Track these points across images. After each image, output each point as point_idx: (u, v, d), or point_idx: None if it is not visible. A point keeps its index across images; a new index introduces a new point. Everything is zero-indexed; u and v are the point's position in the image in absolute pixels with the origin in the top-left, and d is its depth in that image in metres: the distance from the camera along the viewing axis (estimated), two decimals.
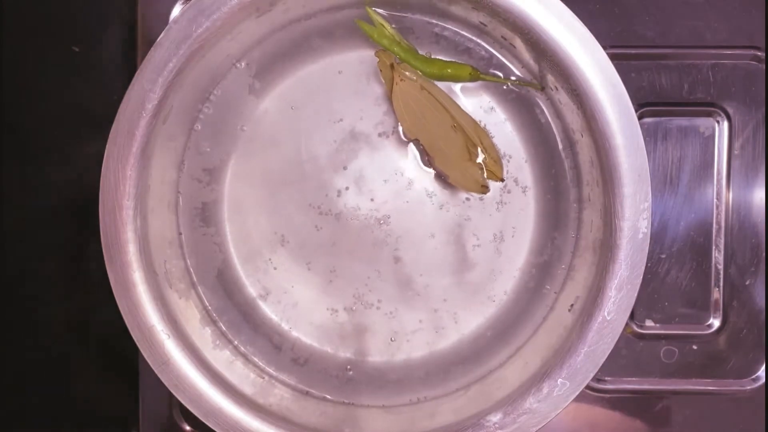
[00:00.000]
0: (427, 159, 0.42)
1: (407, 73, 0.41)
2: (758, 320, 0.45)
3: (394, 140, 0.43)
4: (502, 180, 0.42)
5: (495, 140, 0.43)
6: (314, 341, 0.44)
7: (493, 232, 0.43)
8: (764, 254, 0.45)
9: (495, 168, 0.42)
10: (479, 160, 0.41)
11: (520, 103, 0.43)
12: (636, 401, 0.46)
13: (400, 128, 0.43)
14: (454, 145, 0.41)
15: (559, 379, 0.38)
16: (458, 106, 0.41)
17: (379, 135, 0.43)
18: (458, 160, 0.41)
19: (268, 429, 0.40)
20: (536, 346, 0.43)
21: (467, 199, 0.43)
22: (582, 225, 0.42)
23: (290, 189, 0.43)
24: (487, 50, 0.43)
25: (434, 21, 0.42)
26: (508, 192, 0.43)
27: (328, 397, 0.44)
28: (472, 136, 0.41)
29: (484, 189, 0.42)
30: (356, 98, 0.43)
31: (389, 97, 0.41)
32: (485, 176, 0.42)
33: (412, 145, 0.43)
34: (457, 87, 0.43)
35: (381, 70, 0.41)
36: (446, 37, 0.43)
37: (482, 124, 0.43)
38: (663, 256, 0.45)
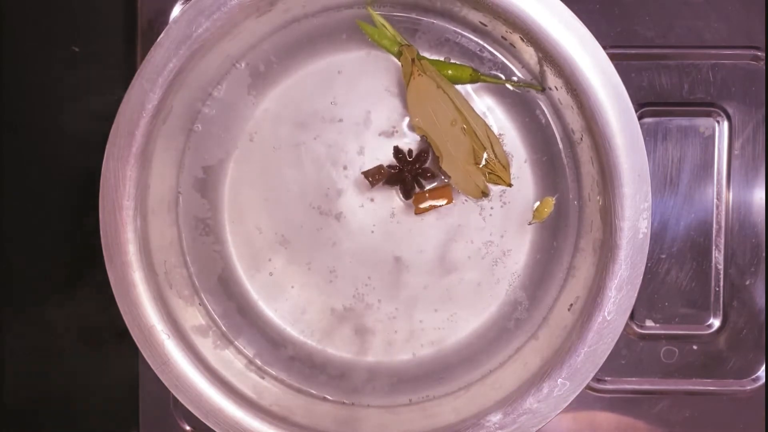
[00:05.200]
0: (433, 157, 0.43)
1: (427, 70, 0.41)
2: (758, 320, 0.45)
3: (395, 140, 0.43)
4: (510, 185, 0.42)
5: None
6: (314, 341, 0.44)
7: (494, 232, 0.43)
8: (764, 254, 0.45)
9: (503, 174, 0.42)
10: (482, 165, 0.41)
11: (520, 104, 0.43)
12: (636, 401, 0.46)
13: (406, 120, 0.43)
14: (461, 147, 0.41)
15: (559, 379, 0.38)
16: (472, 110, 0.41)
17: (380, 135, 0.43)
18: (463, 162, 0.41)
19: (268, 429, 0.40)
20: (536, 346, 0.43)
21: (467, 199, 0.43)
22: (582, 225, 0.42)
23: (290, 189, 0.44)
24: (487, 50, 0.43)
25: (435, 21, 0.42)
26: (509, 193, 0.43)
27: (328, 397, 0.44)
28: (483, 140, 0.41)
29: (484, 195, 0.42)
30: (356, 98, 0.43)
31: (405, 90, 0.41)
32: (487, 182, 0.42)
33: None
34: (467, 87, 0.43)
35: (402, 64, 0.41)
36: (447, 38, 0.43)
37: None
38: (663, 256, 0.45)
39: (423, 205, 0.42)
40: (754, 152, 0.45)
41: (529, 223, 0.42)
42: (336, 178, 0.43)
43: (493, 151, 0.41)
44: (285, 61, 0.43)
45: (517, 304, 0.44)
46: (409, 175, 0.42)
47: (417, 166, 0.42)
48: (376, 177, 0.42)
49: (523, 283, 0.44)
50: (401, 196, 0.43)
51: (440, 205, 0.42)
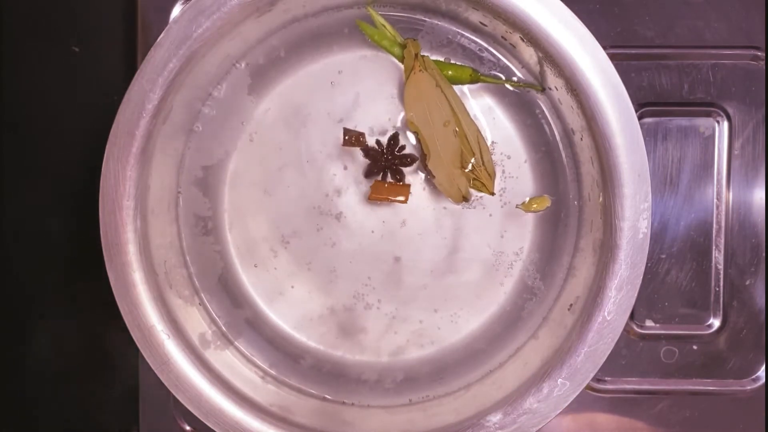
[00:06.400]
0: (421, 155, 0.43)
1: (428, 67, 0.41)
2: (758, 320, 0.45)
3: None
4: (493, 194, 0.42)
5: (495, 140, 0.43)
6: (314, 341, 0.44)
7: (493, 233, 0.43)
8: (764, 254, 0.45)
9: (488, 182, 0.42)
10: (468, 169, 0.41)
11: (520, 104, 0.43)
12: (636, 401, 0.46)
13: (401, 115, 0.43)
14: (450, 149, 0.41)
15: (559, 379, 0.38)
16: (467, 114, 0.41)
17: (379, 134, 0.43)
18: (449, 165, 0.41)
19: (268, 429, 0.40)
20: (536, 346, 0.43)
21: (482, 196, 0.43)
22: (582, 225, 0.42)
23: (290, 189, 0.44)
24: (487, 51, 0.43)
25: (435, 21, 0.42)
26: (508, 193, 0.43)
27: (328, 397, 0.44)
28: (473, 145, 0.41)
29: (464, 199, 0.42)
30: (356, 98, 0.43)
31: (404, 83, 0.41)
32: (470, 187, 0.42)
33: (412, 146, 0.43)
34: (463, 87, 0.43)
35: (404, 57, 0.41)
36: (449, 39, 0.43)
37: (481, 124, 0.43)
38: (663, 256, 0.45)
39: (379, 195, 0.42)
40: (754, 152, 0.45)
41: (517, 206, 0.42)
42: (336, 178, 0.43)
43: (482, 158, 0.41)
44: (285, 60, 0.43)
45: (516, 304, 0.44)
46: (383, 163, 0.42)
47: (396, 161, 0.42)
48: (351, 140, 0.42)
49: (522, 283, 0.44)
50: (363, 171, 0.43)
51: (395, 200, 0.42)
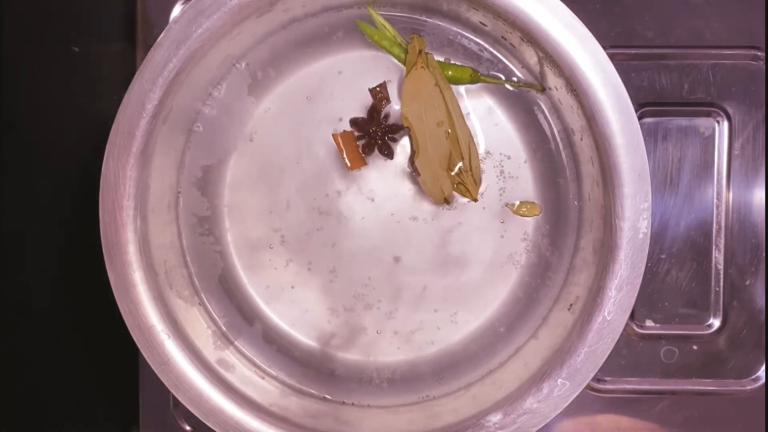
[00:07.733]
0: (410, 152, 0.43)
1: (430, 65, 0.41)
2: (758, 320, 0.45)
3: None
4: (476, 200, 0.42)
5: (495, 141, 0.43)
6: (314, 341, 0.44)
7: (493, 233, 0.43)
8: (764, 254, 0.45)
9: (472, 188, 0.42)
10: (454, 173, 0.41)
11: (520, 104, 0.43)
12: (636, 401, 0.46)
13: (397, 107, 0.43)
14: (440, 149, 0.41)
15: (559, 379, 0.38)
16: (462, 118, 0.42)
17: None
18: (436, 165, 0.41)
19: (268, 429, 0.40)
20: (536, 346, 0.43)
21: (468, 201, 0.43)
22: (582, 225, 0.42)
23: (290, 189, 0.44)
24: (487, 51, 0.43)
25: (435, 22, 0.42)
26: (508, 192, 0.43)
27: (328, 397, 0.44)
28: (464, 149, 0.41)
29: (446, 201, 0.42)
30: (356, 98, 0.43)
31: (404, 77, 0.41)
32: (454, 191, 0.42)
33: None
34: (460, 88, 0.43)
35: (407, 51, 0.41)
36: (448, 39, 0.43)
37: (475, 130, 0.43)
38: (663, 256, 0.45)
39: (341, 142, 0.42)
40: (754, 152, 0.45)
41: (506, 205, 0.42)
42: (336, 178, 0.43)
43: (470, 163, 0.41)
44: (285, 60, 0.43)
45: (516, 304, 0.44)
46: (370, 130, 0.42)
47: (378, 140, 0.42)
48: (376, 94, 0.42)
49: (522, 283, 0.44)
50: (352, 118, 0.43)
51: (343, 157, 0.42)
